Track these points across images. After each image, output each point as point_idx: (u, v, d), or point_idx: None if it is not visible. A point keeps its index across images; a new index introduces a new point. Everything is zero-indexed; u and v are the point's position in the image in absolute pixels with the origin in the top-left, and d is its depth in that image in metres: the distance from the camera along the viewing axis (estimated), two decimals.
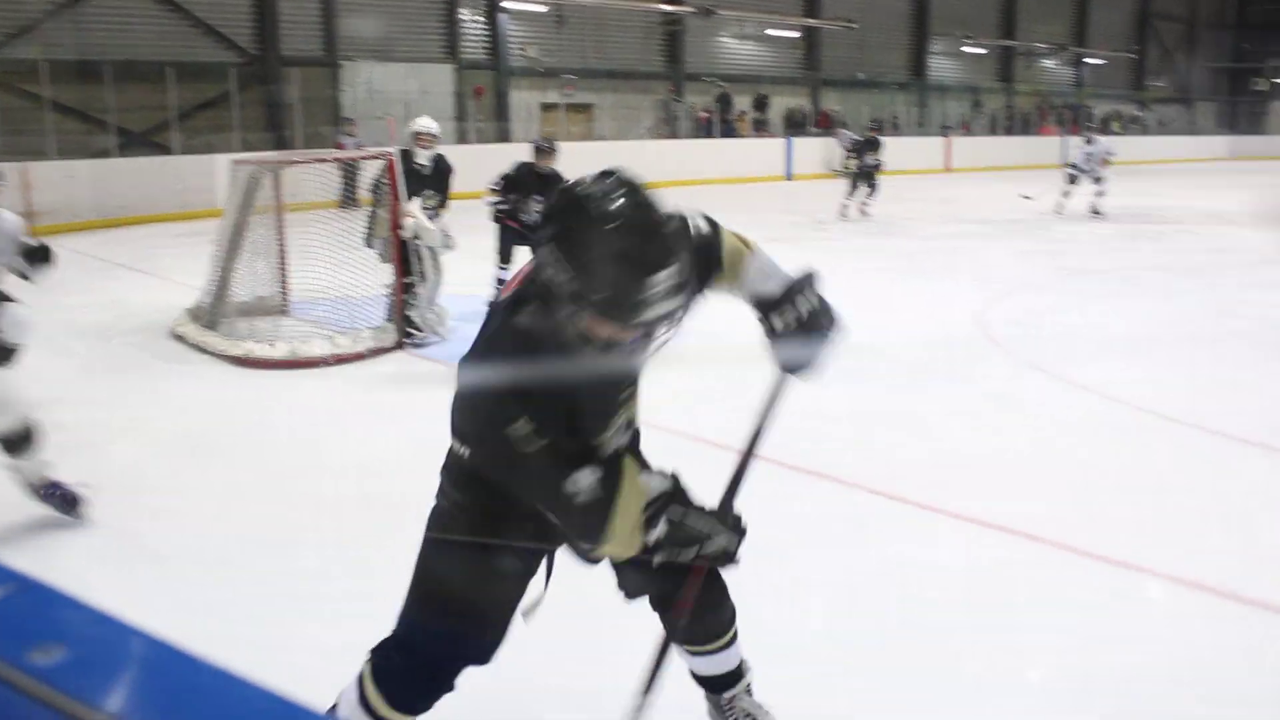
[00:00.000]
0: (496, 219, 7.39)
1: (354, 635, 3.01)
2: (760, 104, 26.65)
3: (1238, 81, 43.13)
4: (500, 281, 7.23)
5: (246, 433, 5.04)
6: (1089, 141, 15.86)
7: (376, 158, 6.83)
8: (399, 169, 6.75)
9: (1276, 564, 3.52)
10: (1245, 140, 38.81)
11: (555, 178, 7.05)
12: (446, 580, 2.15)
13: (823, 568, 3.47)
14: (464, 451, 2.04)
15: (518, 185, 7.33)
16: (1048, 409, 5.37)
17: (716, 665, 2.43)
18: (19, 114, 16.34)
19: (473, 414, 1.95)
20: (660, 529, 1.95)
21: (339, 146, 16.61)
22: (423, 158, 7.10)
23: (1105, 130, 16.50)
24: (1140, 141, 35.10)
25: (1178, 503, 4.04)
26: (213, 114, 18.23)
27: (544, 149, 7.44)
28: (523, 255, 7.03)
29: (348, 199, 7.44)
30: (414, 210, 6.78)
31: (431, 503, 2.19)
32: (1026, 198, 16.20)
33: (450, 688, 2.16)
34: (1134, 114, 38.48)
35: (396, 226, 6.72)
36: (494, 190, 7.38)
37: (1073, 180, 15.62)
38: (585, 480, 1.85)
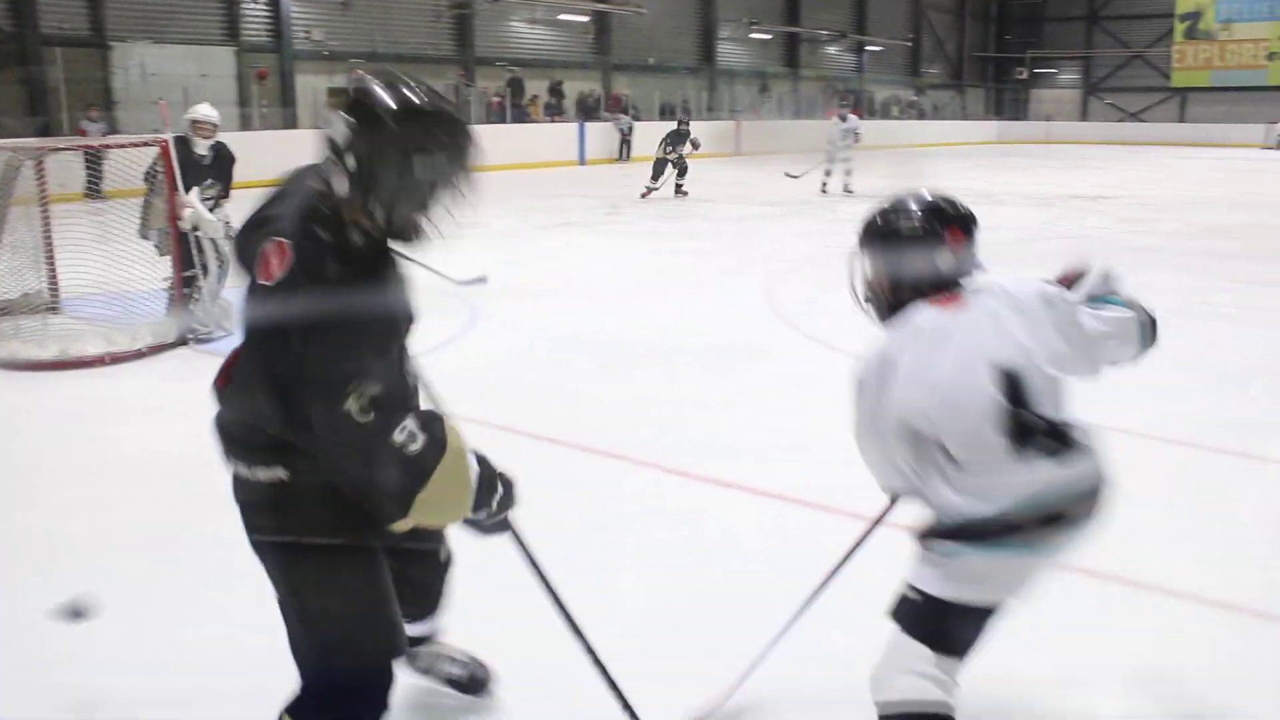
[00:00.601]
0: None
1: (150, 644, 2.90)
2: (556, 91, 26.67)
3: (1003, 70, 45.90)
4: None
5: (14, 439, 4.75)
6: (843, 119, 16.61)
7: (148, 144, 6.50)
8: (174, 158, 6.43)
9: None
10: (1011, 125, 41.50)
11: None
12: (335, 587, 2.00)
13: (641, 548, 3.54)
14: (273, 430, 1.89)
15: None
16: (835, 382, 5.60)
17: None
18: None
19: (306, 367, 1.76)
20: (499, 492, 1.98)
21: (80, 133, 15.57)
22: (202, 147, 6.75)
23: (857, 110, 17.40)
24: (916, 125, 36.89)
25: None
26: None
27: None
28: None
29: (92, 190, 6.95)
30: (192, 201, 6.49)
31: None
32: (792, 176, 16.77)
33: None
34: (911, 99, 40.36)
35: (175, 218, 6.42)
36: None
37: (830, 159, 16.46)
38: (413, 427, 1.78)
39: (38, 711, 2.61)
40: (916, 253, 2.24)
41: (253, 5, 21.64)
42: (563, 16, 27.93)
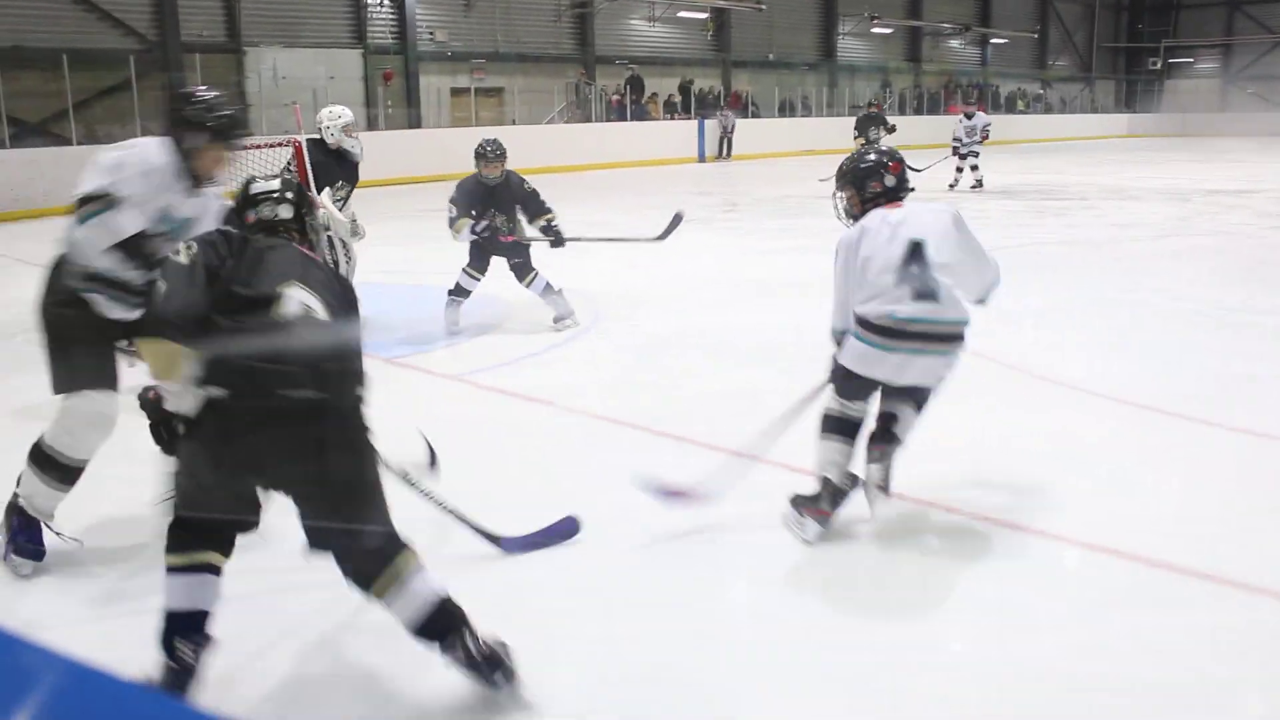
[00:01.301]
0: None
1: (222, 625, 2.97)
2: (685, 90, 26.60)
3: (1134, 61, 44.37)
4: (462, 289, 6.80)
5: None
6: (968, 116, 16.21)
7: (281, 145, 6.69)
8: (308, 159, 6.59)
9: (1165, 527, 3.63)
10: (1143, 118, 40.01)
11: (503, 187, 6.60)
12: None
13: (732, 540, 3.50)
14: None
15: (472, 201, 6.69)
16: (956, 379, 5.46)
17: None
18: None
19: None
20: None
21: None
22: (353, 145, 6.83)
23: (981, 106, 16.95)
24: (1043, 120, 35.95)
25: (1087, 469, 4.15)
26: (112, 103, 17.69)
27: (485, 155, 6.64)
28: (500, 266, 6.82)
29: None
30: (324, 201, 6.65)
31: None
32: (915, 170, 16.39)
33: None
34: (1037, 93, 39.33)
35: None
36: (455, 207, 6.74)
37: (958, 154, 16.07)
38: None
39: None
40: (873, 178, 3.66)
41: (379, 8, 22.14)
42: (682, 14, 27.93)
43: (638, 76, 25.49)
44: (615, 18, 26.49)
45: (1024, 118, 35.02)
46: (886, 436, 3.58)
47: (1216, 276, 8.48)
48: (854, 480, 3.54)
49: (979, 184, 16.09)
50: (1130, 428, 4.73)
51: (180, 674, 2.40)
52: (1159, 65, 43.16)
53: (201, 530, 2.49)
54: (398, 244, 9.55)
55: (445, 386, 5.58)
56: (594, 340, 6.44)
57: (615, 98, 24.82)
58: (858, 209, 3.66)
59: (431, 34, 22.89)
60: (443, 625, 2.48)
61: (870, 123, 16.03)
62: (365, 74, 21.71)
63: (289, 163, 6.67)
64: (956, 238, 3.53)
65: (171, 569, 2.48)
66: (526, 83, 23.78)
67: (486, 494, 3.99)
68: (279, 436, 2.39)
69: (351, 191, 6.98)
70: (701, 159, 24.48)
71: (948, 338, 3.49)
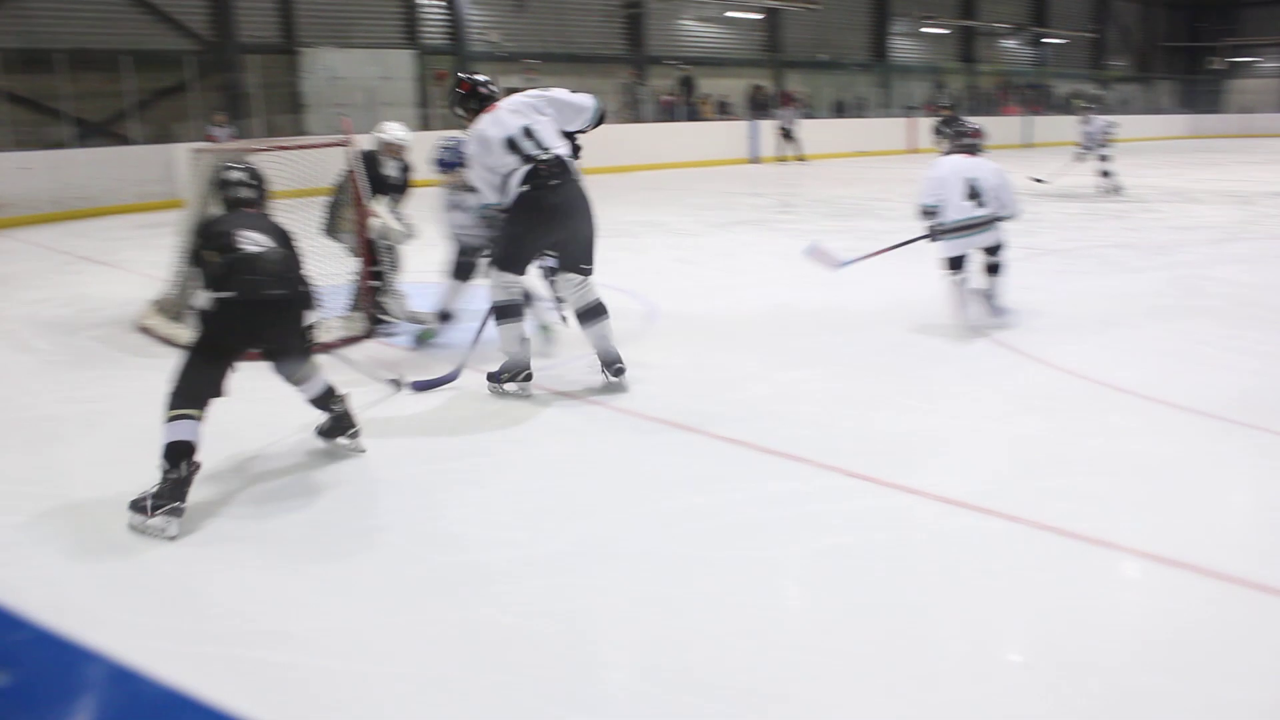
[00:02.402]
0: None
1: (328, 620, 2.99)
2: (759, 95, 26.38)
3: (1194, 60, 43.60)
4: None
5: (217, 425, 4.96)
6: (1086, 121, 15.86)
7: (334, 145, 6.73)
8: (361, 173, 6.64)
9: (1241, 538, 3.55)
10: (1204, 119, 39.24)
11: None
12: None
13: (791, 548, 3.45)
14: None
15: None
16: (1017, 385, 5.39)
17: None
18: None
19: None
20: None
21: (209, 139, 15.14)
22: (391, 167, 6.95)
23: (1090, 109, 16.38)
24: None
25: (1148, 479, 4.07)
26: (171, 103, 17.98)
27: None
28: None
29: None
30: (381, 211, 6.71)
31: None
32: (1038, 180, 16.14)
33: None
34: (1095, 93, 38.78)
35: (363, 224, 6.62)
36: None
37: (1081, 160, 15.70)
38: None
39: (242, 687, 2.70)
40: (959, 137, 6.91)
41: (432, 9, 22.29)
42: (734, 14, 27.87)
43: (690, 77, 25.46)
44: (667, 18, 26.48)
45: (1116, 119, 34.44)
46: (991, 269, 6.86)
47: None
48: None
49: (1114, 189, 15.42)
50: (1194, 436, 4.63)
51: (179, 482, 3.67)
52: (1220, 65, 42.35)
53: (199, 394, 3.86)
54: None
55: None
56: (650, 341, 6.41)
57: (667, 98, 24.80)
58: (951, 151, 6.90)
59: (484, 34, 23.01)
60: (325, 399, 4.42)
61: (947, 125, 15.72)
62: (418, 74, 21.87)
63: (344, 173, 6.72)
64: (997, 178, 6.59)
65: (176, 418, 3.76)
66: (578, 83, 23.68)
67: (539, 491, 3.99)
68: (265, 314, 4.04)
69: (398, 202, 6.99)
70: (754, 159, 24.38)
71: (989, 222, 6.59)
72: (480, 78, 5.48)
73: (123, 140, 17.01)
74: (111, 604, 3.16)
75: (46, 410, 5.32)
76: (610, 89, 24.59)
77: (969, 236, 6.52)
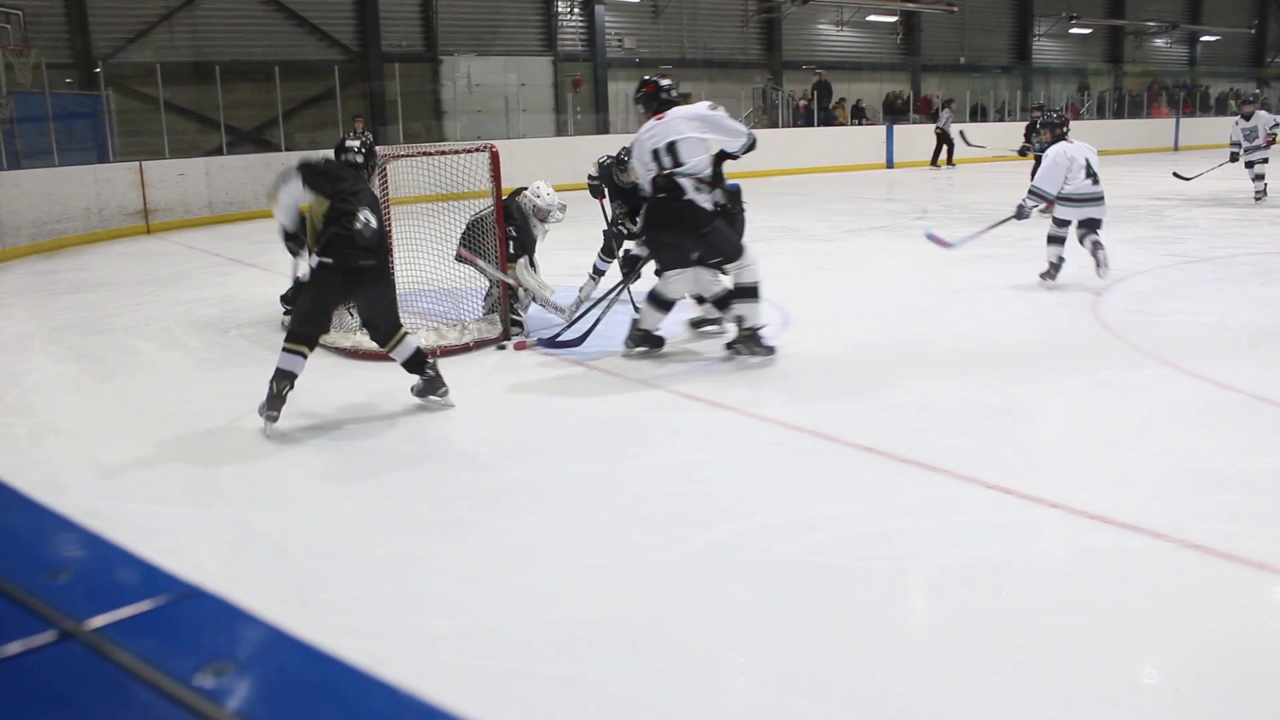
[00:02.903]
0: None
1: (464, 619, 3.04)
2: (933, 109, 25.83)
3: None
4: (598, 271, 7.32)
5: (358, 423, 5.12)
6: (1246, 118, 14.90)
7: (476, 151, 6.84)
8: (506, 229, 6.72)
9: None
10: None
11: (630, 192, 6.86)
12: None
13: (925, 559, 3.38)
14: None
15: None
16: (1163, 398, 5.18)
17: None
18: (135, 115, 16.93)
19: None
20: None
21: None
22: (539, 231, 7.16)
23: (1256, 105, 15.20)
24: None
25: None
26: (317, 111, 18.63)
27: (624, 163, 6.94)
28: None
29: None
30: (523, 275, 6.85)
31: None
32: (1182, 178, 15.40)
33: None
34: (1253, 92, 37.05)
35: (505, 276, 6.71)
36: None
37: (1234, 160, 14.75)
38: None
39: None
40: (1059, 127, 8.26)
41: (569, 17, 22.57)
42: (871, 17, 27.51)
43: (825, 81, 25.23)
44: (802, 22, 26.29)
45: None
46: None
47: None
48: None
49: (1261, 194, 14.36)
50: None
51: (277, 398, 4.80)
52: None
53: (307, 336, 4.92)
54: (589, 248, 9.69)
55: (632, 390, 5.61)
56: (781, 348, 6.37)
57: (802, 103, 24.61)
58: (1048, 144, 8.14)
59: (620, 41, 23.20)
60: (418, 363, 5.15)
61: (1032, 128, 15.10)
62: (555, 81, 22.17)
63: (483, 221, 6.83)
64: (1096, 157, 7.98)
65: (288, 351, 4.86)
66: (713, 88, 23.82)
67: (670, 497, 4.00)
68: (359, 278, 4.97)
69: (528, 257, 7.14)
70: (890, 165, 24.01)
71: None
72: (665, 82, 6.14)
73: (271, 147, 17.67)
74: (252, 594, 3.27)
75: (196, 406, 5.54)
76: (745, 94, 24.55)
77: (1083, 207, 7.94)
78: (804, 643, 2.87)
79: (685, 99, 6.33)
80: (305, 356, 4.88)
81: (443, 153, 7.03)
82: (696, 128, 5.85)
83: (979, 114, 28.35)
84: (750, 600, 3.13)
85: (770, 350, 6.02)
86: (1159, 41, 35.44)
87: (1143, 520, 3.58)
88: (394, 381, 5.43)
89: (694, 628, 2.97)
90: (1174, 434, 4.62)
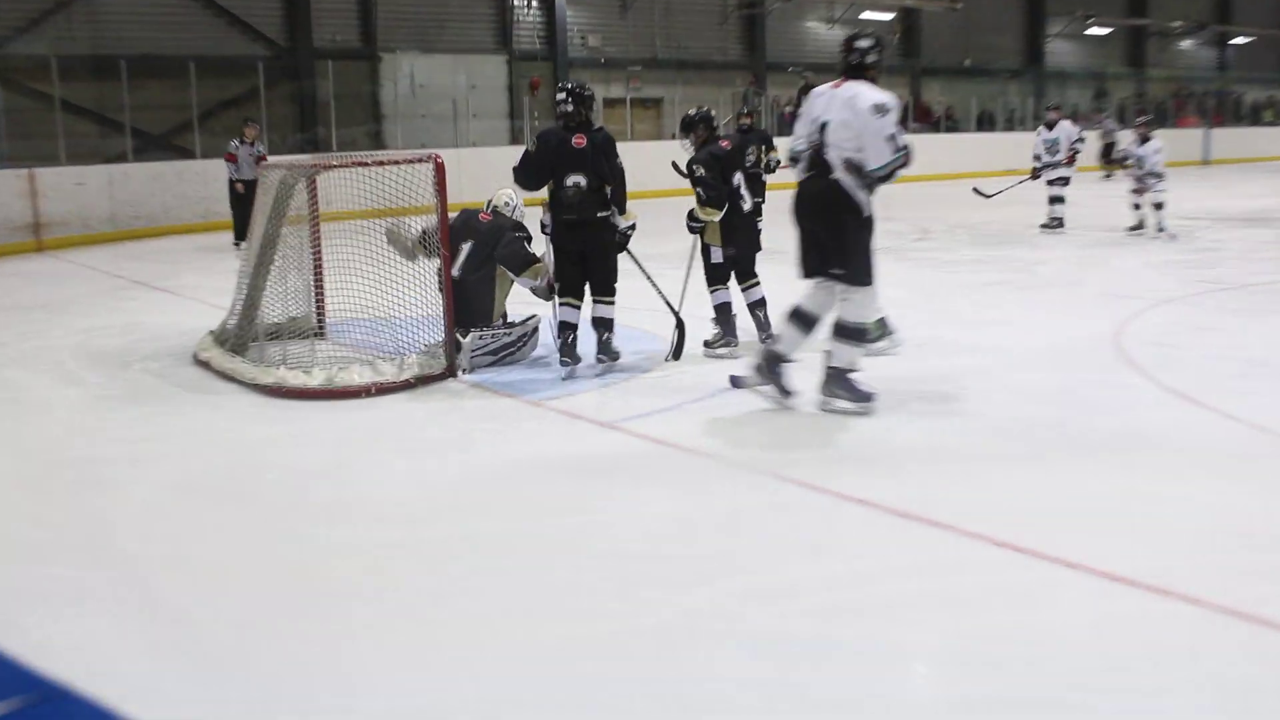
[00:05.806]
0: None
1: (402, 702, 2.98)
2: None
3: None
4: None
5: (279, 471, 5.06)
6: (1049, 127, 14.86)
7: (420, 161, 6.82)
8: (516, 235, 7.17)
9: None
10: None
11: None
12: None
13: (931, 624, 3.35)
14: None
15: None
16: (1197, 443, 5.19)
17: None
18: (26, 115, 16.78)
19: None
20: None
21: (228, 158, 13.95)
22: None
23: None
24: None
25: None
26: (238, 113, 18.52)
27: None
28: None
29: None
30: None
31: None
32: (983, 195, 14.05)
33: None
34: (1058, 101, 37.53)
35: (449, 276, 6.73)
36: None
37: (1036, 176, 14.66)
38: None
39: None
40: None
41: (526, 11, 22.67)
42: (866, 15, 27.82)
43: (812, 85, 25.43)
44: (789, 20, 26.56)
45: (1273, 130, 33.60)
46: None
47: None
48: None
49: (1056, 223, 14.51)
50: None
51: (568, 345, 6.56)
52: None
53: (570, 286, 6.65)
54: None
55: (594, 434, 5.59)
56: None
57: (788, 109, 24.80)
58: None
59: (583, 39, 23.33)
60: (606, 322, 6.67)
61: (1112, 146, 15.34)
62: (510, 82, 22.23)
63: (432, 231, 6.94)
64: None
65: (562, 304, 6.62)
66: (688, 92, 23.99)
67: (637, 557, 3.96)
68: (571, 233, 6.55)
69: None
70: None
71: None
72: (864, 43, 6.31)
73: (185, 154, 17.57)
74: (153, 670, 3.20)
75: (93, 451, 5.46)
76: (725, 99, 24.70)
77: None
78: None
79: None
80: (576, 307, 6.65)
81: (380, 163, 6.98)
82: (849, 116, 5.91)
83: (986, 123, 28.69)
84: (728, 678, 3.10)
85: (868, 398, 5.73)
86: (1185, 44, 36.04)
87: (1174, 582, 3.58)
88: (319, 421, 5.37)
89: (670, 710, 2.93)
90: (1208, 484, 4.63)
